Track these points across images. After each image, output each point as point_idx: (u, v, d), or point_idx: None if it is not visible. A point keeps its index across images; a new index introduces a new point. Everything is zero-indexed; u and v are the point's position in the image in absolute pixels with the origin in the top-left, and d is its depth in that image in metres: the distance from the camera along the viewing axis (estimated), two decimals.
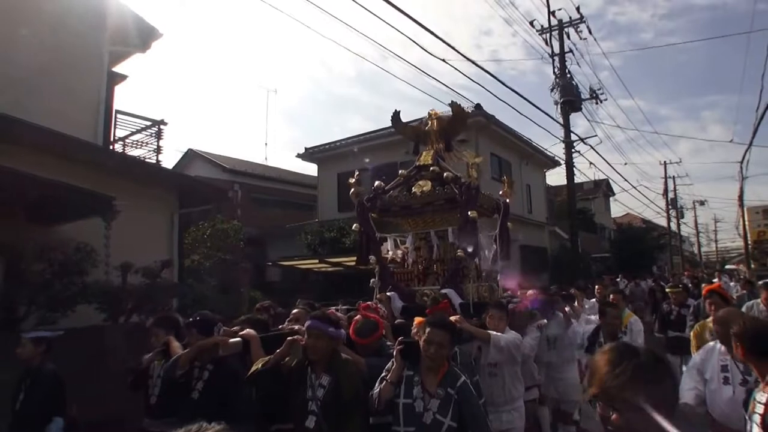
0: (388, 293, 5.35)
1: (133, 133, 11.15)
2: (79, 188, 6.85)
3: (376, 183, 5.85)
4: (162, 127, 11.09)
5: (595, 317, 6.21)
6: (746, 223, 36.13)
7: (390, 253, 5.84)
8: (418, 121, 6.62)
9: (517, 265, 15.22)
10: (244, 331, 3.68)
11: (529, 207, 19.97)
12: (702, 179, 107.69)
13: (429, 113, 6.17)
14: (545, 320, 5.32)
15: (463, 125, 6.07)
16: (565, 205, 21.18)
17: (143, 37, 10.33)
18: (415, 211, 5.71)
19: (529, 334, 4.79)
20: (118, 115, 10.86)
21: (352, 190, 5.77)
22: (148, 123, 11.12)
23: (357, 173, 5.82)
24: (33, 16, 8.30)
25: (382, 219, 5.88)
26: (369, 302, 4.61)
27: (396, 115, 6.23)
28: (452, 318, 3.85)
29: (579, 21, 16.71)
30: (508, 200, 6.08)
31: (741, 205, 33.78)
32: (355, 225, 5.72)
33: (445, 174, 5.51)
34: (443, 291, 5.13)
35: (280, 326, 4.62)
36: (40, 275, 6.32)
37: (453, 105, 5.92)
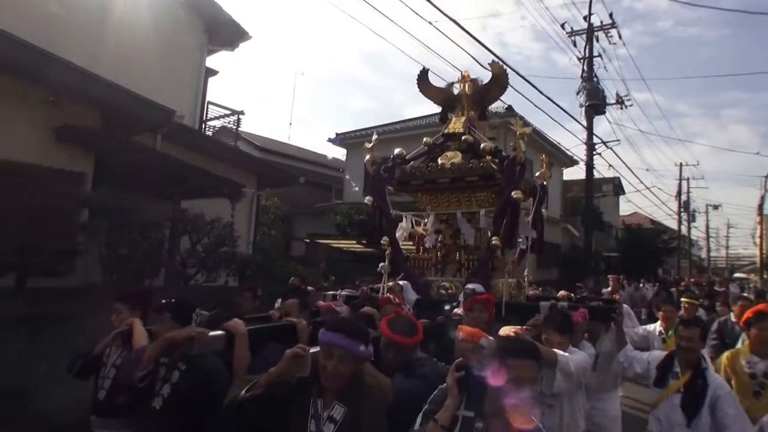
0: (400, 282, 4.22)
1: (215, 118, 12.64)
2: (217, 175, 8.24)
3: (396, 150, 4.67)
4: (240, 116, 12.57)
5: (641, 329, 5.01)
6: (764, 232, 33.75)
7: (402, 232, 4.67)
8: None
9: (532, 260, 15.29)
10: (230, 322, 2.60)
11: (546, 204, 19.31)
12: (719, 180, 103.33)
13: (462, 74, 4.95)
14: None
15: (501, 90, 4.84)
16: (574, 200, 20.99)
17: (234, 37, 11.25)
18: (439, 187, 4.54)
19: (584, 351, 3.60)
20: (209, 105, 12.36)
21: (368, 157, 4.60)
22: (229, 112, 12.48)
23: (375, 137, 4.64)
24: (147, 17, 9.24)
25: (400, 193, 4.71)
26: (392, 296, 3.48)
27: (423, 73, 5.02)
28: (509, 329, 2.70)
29: (610, 26, 15.66)
30: (545, 182, 4.88)
31: (760, 213, 32.54)
32: (367, 198, 4.56)
33: (482, 145, 4.31)
34: (470, 286, 3.98)
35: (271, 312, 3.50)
36: (201, 244, 7.45)
37: (493, 65, 4.69)
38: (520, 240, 4.53)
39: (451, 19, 7.99)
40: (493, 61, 4.69)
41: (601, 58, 15.84)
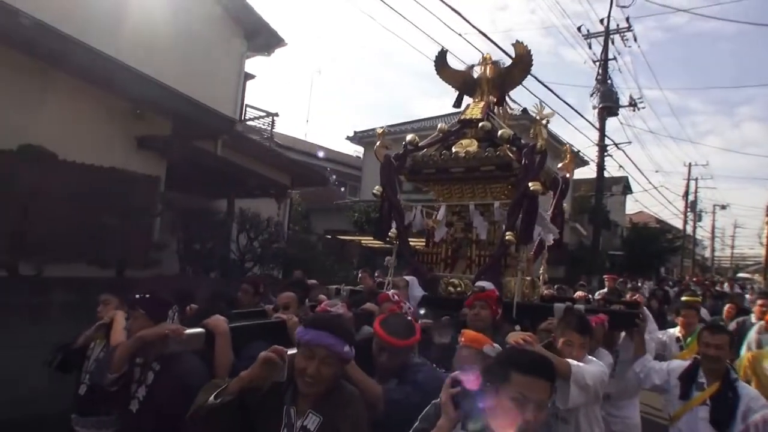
0: (406, 276, 3.83)
1: (252, 119, 13.70)
2: (267, 177, 9.03)
3: (409, 137, 4.24)
4: (275, 118, 13.60)
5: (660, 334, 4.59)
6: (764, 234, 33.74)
7: (414, 221, 4.25)
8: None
9: (541, 258, 16.23)
10: (210, 319, 2.26)
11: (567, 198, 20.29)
12: (729, 179, 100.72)
13: (483, 56, 4.49)
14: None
15: (525, 73, 4.37)
16: (582, 199, 21.60)
17: (271, 43, 11.57)
18: (452, 177, 4.12)
19: (601, 361, 3.20)
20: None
21: (378, 143, 4.18)
22: (264, 114, 13.39)
23: (385, 126, 4.21)
24: (193, 26, 9.55)
25: (411, 183, 4.29)
26: (391, 292, 3.08)
27: (441, 55, 4.56)
28: (518, 336, 2.31)
29: (626, 30, 15.52)
30: (568, 175, 4.44)
31: None
32: (377, 187, 4.15)
33: (500, 132, 3.87)
34: (480, 283, 3.59)
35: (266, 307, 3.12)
36: (258, 240, 8.09)
37: (517, 45, 4.22)
38: (539, 236, 4.11)
39: (464, 18, 7.44)
40: (517, 41, 4.21)
41: (616, 61, 15.80)
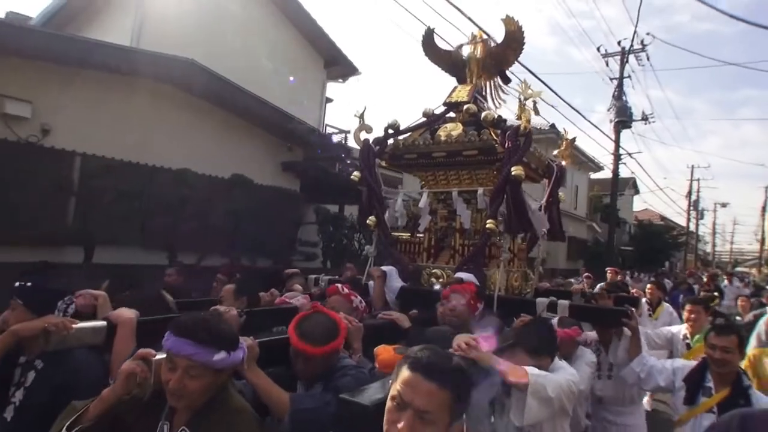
0: (384, 267, 3.36)
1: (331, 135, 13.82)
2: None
3: (390, 120, 3.76)
4: (347, 134, 13.65)
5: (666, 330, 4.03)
6: (766, 229, 34.95)
7: (397, 214, 3.76)
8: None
9: (563, 252, 18.25)
10: (117, 311, 1.84)
11: (575, 204, 21.28)
12: (729, 177, 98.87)
13: (473, 34, 3.96)
14: (593, 335, 3.15)
15: (517, 52, 3.82)
16: (595, 198, 23.25)
17: (347, 72, 12.76)
18: (435, 162, 3.62)
19: (581, 362, 2.67)
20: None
21: (356, 127, 3.71)
22: (338, 131, 13.53)
23: (364, 108, 3.74)
24: (287, 60, 10.98)
25: (393, 169, 3.81)
26: (340, 285, 2.60)
27: (429, 34, 4.05)
28: (462, 339, 1.83)
29: (641, 50, 16.29)
30: (564, 163, 3.89)
31: (763, 215, 34.61)
32: (355, 173, 3.69)
33: (483, 114, 3.36)
34: (458, 275, 3.10)
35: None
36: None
37: (507, 20, 3.68)
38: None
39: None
40: (507, 16, 3.66)
41: (630, 79, 16.48)
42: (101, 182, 5.88)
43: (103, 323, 1.75)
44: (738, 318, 6.01)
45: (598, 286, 7.51)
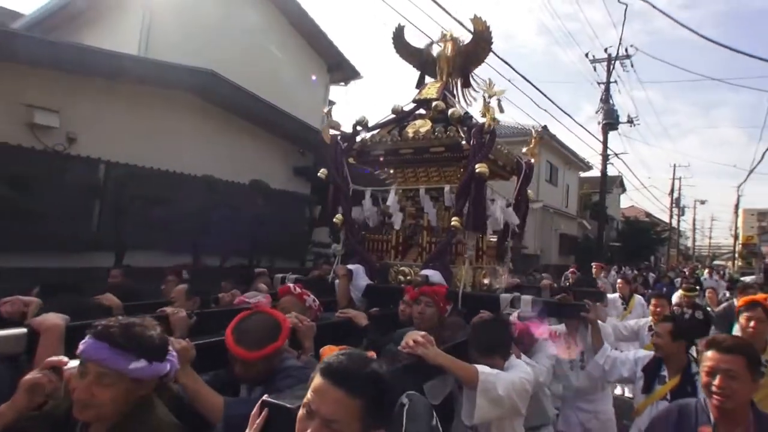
0: (350, 266, 3.31)
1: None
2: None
3: (358, 117, 3.70)
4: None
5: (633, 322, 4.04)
6: (739, 225, 36.13)
7: (367, 213, 3.71)
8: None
9: (555, 250, 19.02)
10: (41, 317, 1.68)
11: (566, 202, 21.82)
12: (706, 175, 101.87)
13: (443, 33, 3.91)
14: (562, 328, 3.13)
15: (486, 51, 3.78)
16: (584, 196, 23.80)
17: (349, 76, 12.54)
18: (403, 159, 3.57)
19: (541, 355, 2.65)
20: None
21: (323, 124, 3.65)
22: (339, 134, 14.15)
23: (331, 105, 3.67)
24: (291, 63, 10.98)
25: (361, 166, 3.75)
26: (292, 284, 2.54)
27: (399, 31, 3.98)
28: (412, 336, 1.79)
29: (625, 56, 17.03)
30: (533, 160, 3.86)
31: (736, 212, 35.31)
32: (322, 170, 3.62)
33: (450, 111, 3.31)
34: (424, 272, 3.06)
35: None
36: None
37: (475, 20, 3.63)
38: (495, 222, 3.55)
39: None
40: (475, 15, 3.61)
41: (617, 83, 17.69)
42: (126, 188, 6.04)
43: (23, 330, 1.62)
44: (708, 309, 6.10)
45: (563, 278, 7.61)
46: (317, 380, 1.03)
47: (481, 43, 3.74)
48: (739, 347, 1.64)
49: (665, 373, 2.55)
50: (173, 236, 6.28)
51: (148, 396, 1.25)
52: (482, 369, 1.85)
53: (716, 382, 1.60)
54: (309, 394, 1.02)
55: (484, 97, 3.12)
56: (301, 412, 1.03)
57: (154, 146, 6.71)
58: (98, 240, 5.90)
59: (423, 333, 1.77)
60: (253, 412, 1.13)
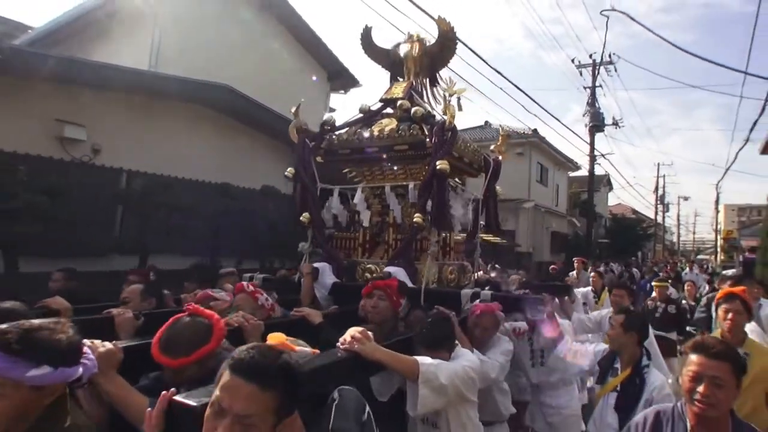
0: (316, 264, 3.31)
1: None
2: None
3: (326, 116, 3.70)
4: None
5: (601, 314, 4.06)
6: (720, 221, 37.66)
7: (334, 210, 3.71)
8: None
9: (547, 247, 19.39)
10: None
11: (557, 201, 22.42)
12: (688, 172, 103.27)
13: (409, 34, 3.92)
14: (524, 325, 3.14)
15: (452, 51, 3.80)
16: (573, 195, 24.64)
17: (349, 84, 13.09)
18: (369, 157, 3.58)
19: (495, 351, 2.65)
20: None
21: (292, 123, 3.64)
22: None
23: (298, 104, 3.68)
24: (294, 72, 11.36)
25: (328, 165, 3.75)
26: (246, 283, 2.53)
27: (366, 32, 3.99)
28: (351, 331, 1.78)
29: (609, 62, 17.60)
30: (500, 157, 3.89)
31: (716, 209, 36.71)
32: (289, 169, 3.62)
33: (413, 110, 3.33)
34: (387, 269, 3.07)
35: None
36: None
37: (439, 21, 3.65)
38: (461, 217, 3.58)
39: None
40: (439, 17, 3.63)
41: (602, 88, 17.83)
42: (146, 196, 6.27)
43: None
44: (684, 301, 6.18)
45: (570, 274, 7.65)
46: (227, 377, 1.01)
47: (446, 43, 3.76)
48: (727, 354, 1.54)
49: (618, 365, 2.54)
50: (192, 240, 6.61)
51: (60, 403, 1.16)
52: (422, 360, 1.87)
53: (701, 389, 1.49)
54: (217, 392, 1.00)
55: (444, 95, 3.14)
56: (208, 411, 1.00)
57: (172, 156, 7.14)
58: (120, 244, 6.27)
59: (360, 329, 1.77)
60: (151, 411, 1.10)
